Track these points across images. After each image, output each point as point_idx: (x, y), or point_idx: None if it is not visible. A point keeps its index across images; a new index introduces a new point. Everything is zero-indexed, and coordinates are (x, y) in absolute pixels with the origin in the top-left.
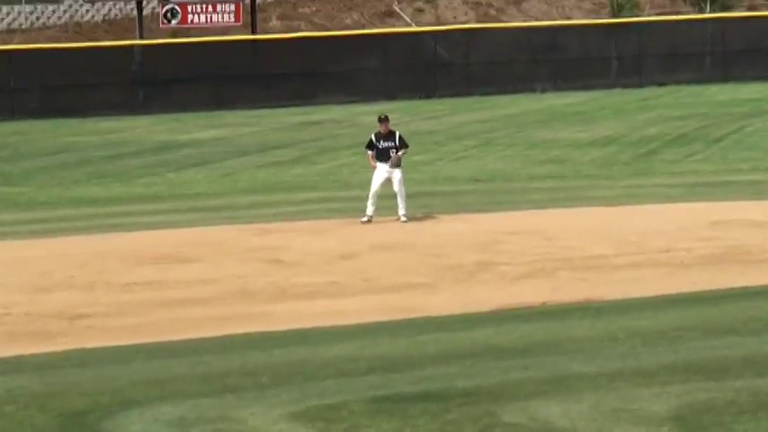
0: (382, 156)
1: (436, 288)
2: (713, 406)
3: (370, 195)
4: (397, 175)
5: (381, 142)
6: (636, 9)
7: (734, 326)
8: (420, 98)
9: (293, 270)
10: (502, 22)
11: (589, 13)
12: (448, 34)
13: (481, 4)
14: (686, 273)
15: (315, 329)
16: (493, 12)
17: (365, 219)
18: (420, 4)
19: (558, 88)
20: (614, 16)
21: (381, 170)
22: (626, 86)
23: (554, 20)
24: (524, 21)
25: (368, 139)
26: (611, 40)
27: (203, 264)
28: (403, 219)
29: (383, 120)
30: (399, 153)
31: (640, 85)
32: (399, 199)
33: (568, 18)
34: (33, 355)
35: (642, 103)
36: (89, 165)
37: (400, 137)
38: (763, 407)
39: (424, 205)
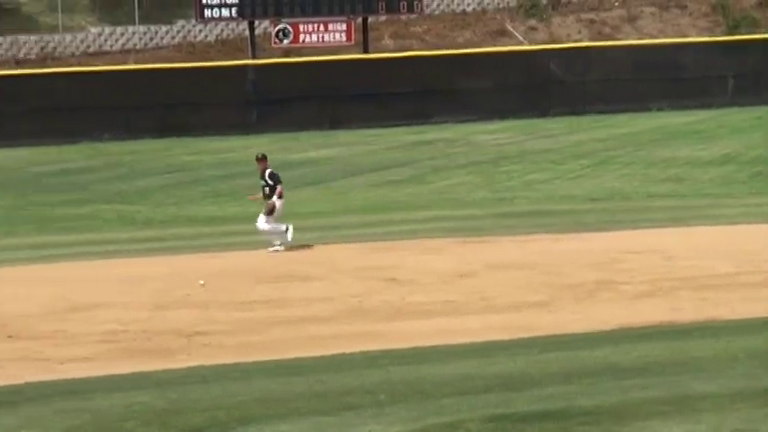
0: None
1: (555, 307)
2: None
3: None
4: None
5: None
6: (752, 26)
7: None
8: (535, 117)
9: (409, 288)
10: (616, 39)
11: (704, 31)
12: (561, 52)
13: (595, 21)
14: None
15: (433, 348)
16: (607, 30)
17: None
18: (533, 23)
19: (673, 107)
20: (730, 33)
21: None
22: (743, 105)
23: (669, 37)
24: (639, 38)
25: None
26: (728, 57)
27: (319, 282)
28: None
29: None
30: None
31: (757, 104)
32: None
33: (683, 35)
34: (152, 372)
35: (759, 122)
36: (204, 184)
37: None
38: None
39: (541, 224)
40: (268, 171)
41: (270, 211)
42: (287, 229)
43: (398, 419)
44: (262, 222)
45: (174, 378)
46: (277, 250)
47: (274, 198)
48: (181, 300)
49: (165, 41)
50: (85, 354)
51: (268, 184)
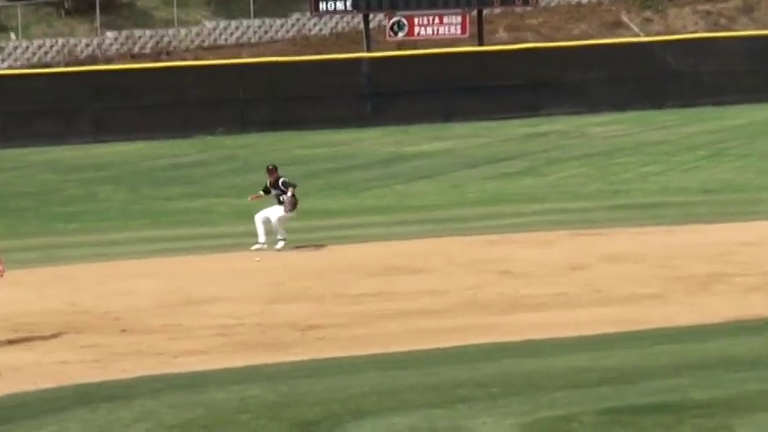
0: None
1: (668, 299)
2: None
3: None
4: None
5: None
6: None
7: None
8: (649, 109)
9: (523, 281)
10: (732, 30)
11: None
12: (677, 44)
13: (711, 13)
14: None
15: (546, 341)
16: (723, 21)
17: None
18: (649, 14)
19: None
20: None
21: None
22: None
23: None
24: (755, 29)
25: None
26: None
27: (432, 275)
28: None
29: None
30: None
31: None
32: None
33: None
34: (266, 365)
35: None
36: (318, 177)
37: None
38: None
39: (655, 217)
40: (281, 180)
41: (292, 207)
42: (284, 239)
43: (511, 412)
44: (279, 215)
45: (287, 371)
46: (261, 249)
47: (288, 195)
48: (294, 293)
49: (279, 35)
50: (199, 347)
51: (282, 191)
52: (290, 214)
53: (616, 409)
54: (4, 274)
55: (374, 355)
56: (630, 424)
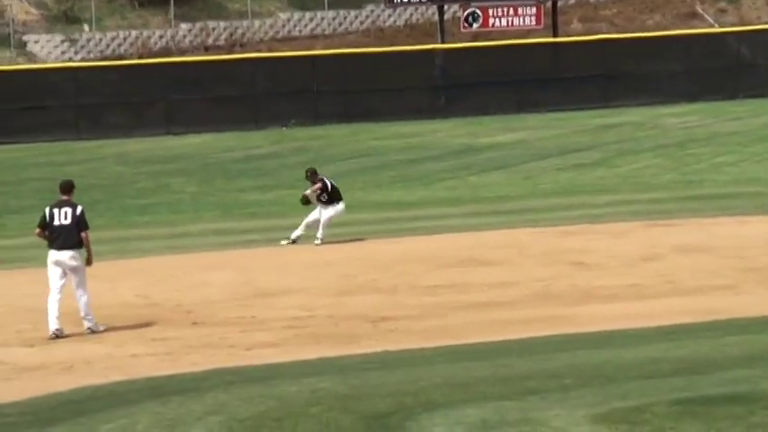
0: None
1: (740, 290)
2: None
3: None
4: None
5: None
6: None
7: None
8: (723, 99)
9: (595, 272)
10: None
11: None
12: (751, 35)
13: None
14: None
15: (618, 332)
16: None
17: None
18: (723, 5)
19: None
20: None
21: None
22: None
23: None
24: None
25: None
26: None
27: (505, 266)
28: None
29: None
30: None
31: None
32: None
33: None
34: (337, 358)
35: None
36: (391, 168)
37: None
38: None
39: (728, 207)
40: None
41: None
42: (299, 236)
43: (584, 404)
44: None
45: (358, 363)
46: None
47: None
48: (366, 285)
49: (353, 26)
50: (271, 340)
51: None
52: (330, 212)
53: (688, 400)
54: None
55: (445, 347)
56: (702, 414)
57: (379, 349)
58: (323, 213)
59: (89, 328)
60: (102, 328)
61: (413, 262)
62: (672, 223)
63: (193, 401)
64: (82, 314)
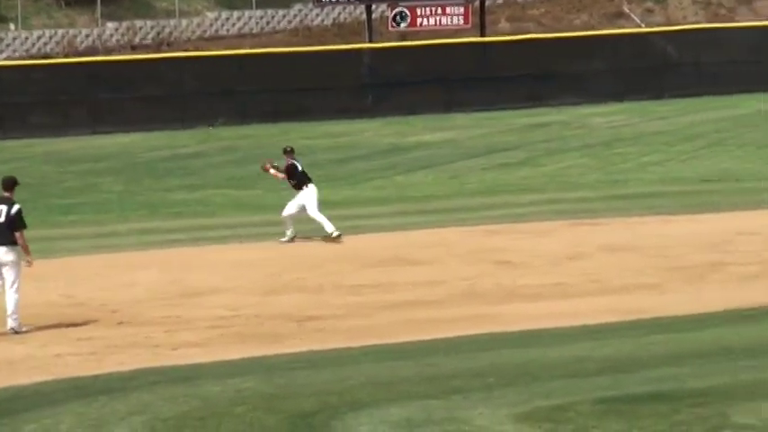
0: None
1: (665, 289)
2: None
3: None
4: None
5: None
6: None
7: None
8: (649, 99)
9: (520, 271)
10: (733, 21)
11: None
12: (678, 35)
13: (711, 3)
14: None
15: (542, 330)
16: (723, 11)
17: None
18: (649, 5)
19: None
20: None
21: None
22: None
23: None
24: (755, 20)
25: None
26: None
27: (430, 265)
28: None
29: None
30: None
31: None
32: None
33: None
34: (262, 357)
35: None
36: (318, 168)
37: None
38: None
39: (653, 206)
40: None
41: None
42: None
43: (507, 402)
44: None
45: (283, 363)
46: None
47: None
48: (292, 284)
49: (281, 26)
50: (197, 339)
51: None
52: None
53: (613, 399)
54: None
55: (371, 347)
56: (627, 413)
57: (304, 349)
58: (308, 209)
59: (12, 328)
60: (24, 329)
61: (339, 261)
62: (597, 222)
63: (118, 401)
64: (8, 312)
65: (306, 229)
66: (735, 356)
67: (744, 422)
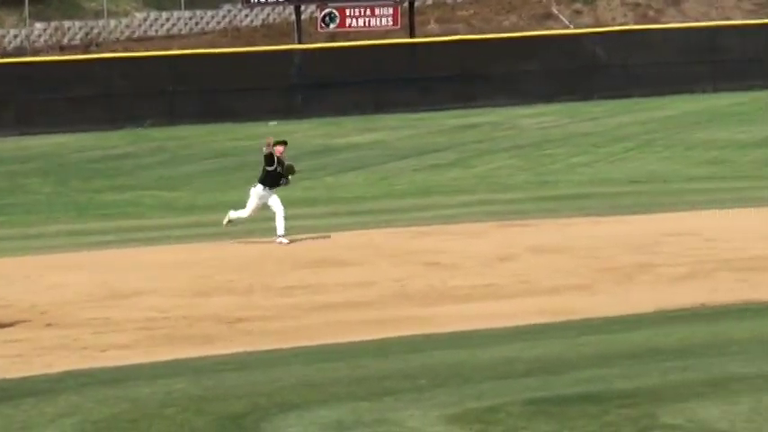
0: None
1: (594, 290)
2: None
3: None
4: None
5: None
6: None
7: None
8: (578, 100)
9: (451, 273)
10: (661, 23)
11: (749, 14)
12: (607, 36)
13: (640, 5)
14: None
15: (473, 332)
16: (652, 13)
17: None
18: (578, 6)
19: (717, 89)
20: None
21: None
22: None
23: (713, 20)
24: (683, 22)
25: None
26: None
27: (361, 267)
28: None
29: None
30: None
31: None
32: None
33: (728, 18)
34: (192, 359)
35: None
36: (247, 169)
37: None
38: None
39: (582, 207)
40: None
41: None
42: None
43: (438, 404)
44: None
45: (213, 364)
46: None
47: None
48: (221, 285)
49: (210, 26)
50: (126, 341)
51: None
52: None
53: (542, 400)
54: None
55: (301, 348)
56: (557, 414)
57: (234, 350)
58: (272, 206)
59: None
60: None
61: (268, 263)
62: (527, 223)
63: (46, 404)
64: None
65: (218, 232)
66: (663, 357)
67: (672, 422)
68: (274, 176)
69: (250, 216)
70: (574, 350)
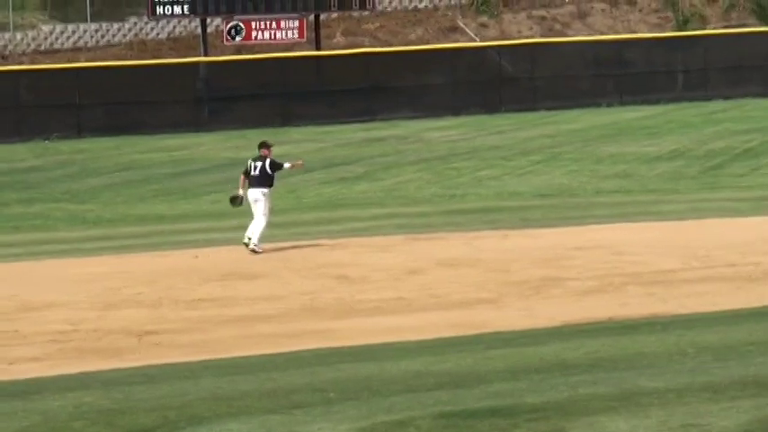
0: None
1: (503, 304)
2: None
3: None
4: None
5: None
6: (702, 22)
7: None
8: (485, 113)
9: (360, 286)
10: (567, 36)
11: (654, 27)
12: (513, 49)
13: (546, 18)
14: (755, 287)
15: (382, 345)
16: (558, 26)
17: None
18: (484, 19)
19: (623, 102)
20: (679, 29)
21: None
22: (692, 100)
23: (619, 33)
24: (589, 35)
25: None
26: (677, 53)
27: (269, 280)
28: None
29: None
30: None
31: (706, 99)
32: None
33: (633, 32)
34: (101, 372)
35: (708, 117)
36: (155, 182)
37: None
38: None
39: (490, 221)
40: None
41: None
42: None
43: (347, 417)
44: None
45: (122, 377)
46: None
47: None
48: (131, 298)
49: (116, 39)
50: (35, 354)
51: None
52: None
53: (452, 414)
54: None
55: (211, 361)
56: (466, 428)
57: (143, 363)
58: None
59: None
60: None
61: (177, 276)
62: (436, 237)
63: None
64: None
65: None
66: (573, 371)
67: None
68: (265, 177)
69: (267, 222)
70: (483, 364)
